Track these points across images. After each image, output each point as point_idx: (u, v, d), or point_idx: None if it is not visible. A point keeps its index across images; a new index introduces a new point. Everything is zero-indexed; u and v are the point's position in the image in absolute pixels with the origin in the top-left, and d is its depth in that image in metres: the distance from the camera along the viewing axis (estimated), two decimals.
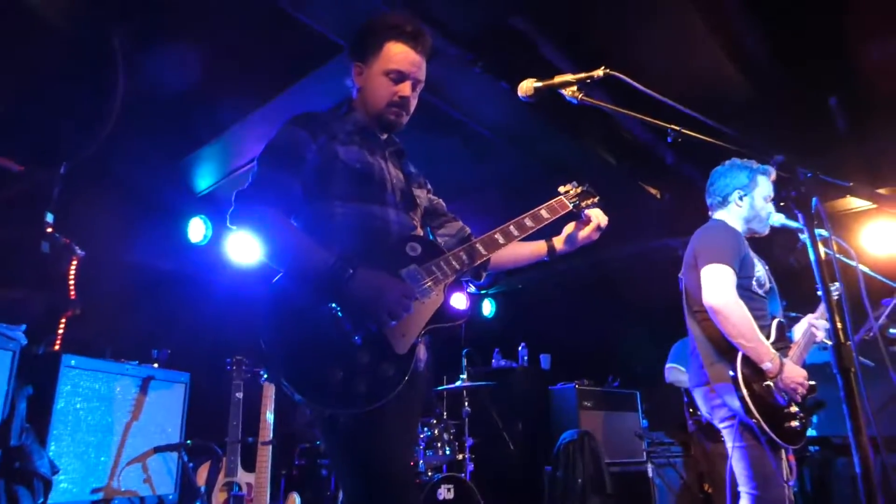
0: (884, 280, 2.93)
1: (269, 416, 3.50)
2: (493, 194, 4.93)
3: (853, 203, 5.19)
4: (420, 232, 1.95)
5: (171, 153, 4.47)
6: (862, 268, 2.52)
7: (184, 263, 4.75)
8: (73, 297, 3.37)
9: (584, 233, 2.07)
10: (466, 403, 4.65)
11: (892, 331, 3.15)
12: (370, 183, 1.82)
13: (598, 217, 2.07)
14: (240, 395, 3.59)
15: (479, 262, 1.83)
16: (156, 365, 3.76)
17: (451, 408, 4.66)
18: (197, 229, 4.80)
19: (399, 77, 1.86)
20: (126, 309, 3.98)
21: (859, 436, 1.37)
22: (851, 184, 1.54)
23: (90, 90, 3.58)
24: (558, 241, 2.11)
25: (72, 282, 3.40)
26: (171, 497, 3.51)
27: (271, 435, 3.45)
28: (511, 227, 1.91)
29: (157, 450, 3.45)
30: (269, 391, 3.53)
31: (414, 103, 1.92)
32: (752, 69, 3.65)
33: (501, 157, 4.44)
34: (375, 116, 1.90)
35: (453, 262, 1.77)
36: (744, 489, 2.48)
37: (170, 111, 4.00)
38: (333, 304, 1.60)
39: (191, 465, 3.43)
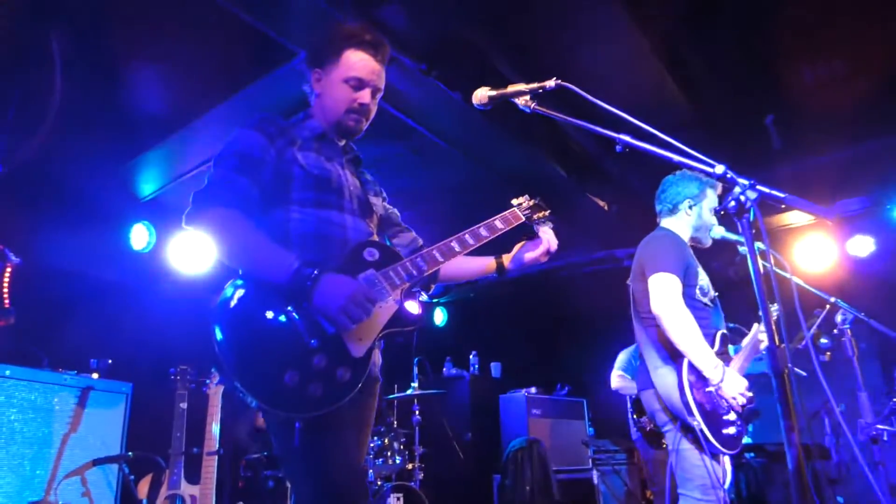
0: (816, 292, 3.10)
1: (215, 428, 3.41)
2: (443, 203, 4.97)
3: (786, 219, 5.47)
4: (377, 238, 1.96)
5: (114, 157, 4.32)
6: (796, 280, 2.67)
7: (126, 271, 4.59)
8: (7, 306, 3.21)
9: (533, 255, 2.10)
10: (417, 412, 4.65)
11: (822, 341, 3.31)
12: (328, 189, 1.82)
13: (548, 240, 2.10)
14: (184, 405, 3.48)
15: (434, 268, 1.85)
16: (95, 375, 3.61)
17: (401, 416, 4.64)
18: (140, 236, 4.64)
19: (359, 84, 1.88)
20: (64, 318, 3.83)
21: (792, 434, 1.45)
22: (787, 196, 1.64)
23: (26, 92, 3.44)
24: (507, 259, 2.13)
25: (6, 290, 3.24)
26: None
27: (217, 445, 3.36)
28: (466, 237, 1.94)
29: (97, 462, 3.31)
30: (215, 401, 3.44)
31: (373, 110, 1.95)
32: (691, 86, 3.82)
33: (452, 167, 4.48)
34: (334, 123, 1.91)
35: (410, 268, 1.79)
36: (683, 492, 2.56)
37: (113, 114, 3.87)
38: (290, 308, 1.59)
39: (132, 477, 3.31)
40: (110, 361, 3.79)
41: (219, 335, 1.55)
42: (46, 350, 3.57)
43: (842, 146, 4.45)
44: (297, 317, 1.59)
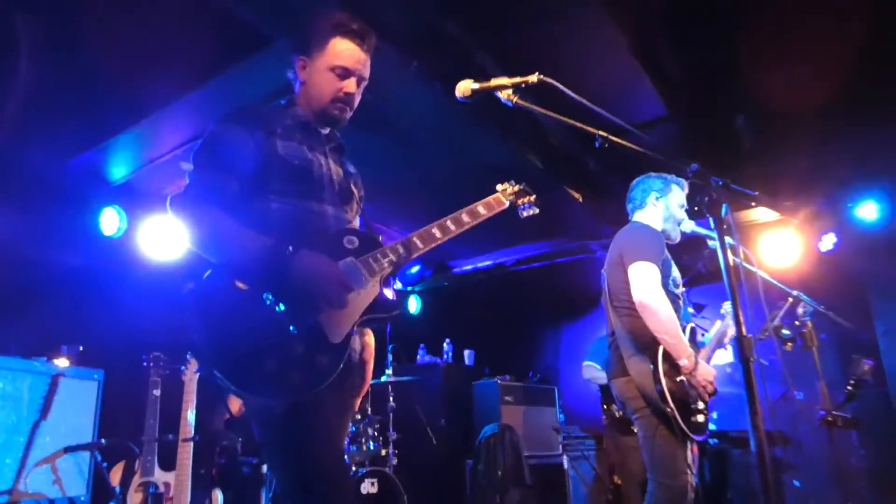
0: (780, 286, 3.22)
1: (191, 415, 3.40)
2: (423, 194, 4.98)
3: (753, 216, 5.63)
4: (356, 226, 1.98)
5: (83, 140, 4.22)
6: (762, 274, 2.77)
7: (96, 256, 4.50)
8: None
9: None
10: (391, 398, 4.69)
11: (785, 332, 3.44)
12: (308, 180, 1.82)
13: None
14: (157, 392, 3.45)
15: (415, 255, 1.87)
16: (67, 362, 3.56)
17: (376, 403, 4.68)
18: (110, 221, 4.55)
19: (344, 73, 1.88)
20: (34, 304, 3.75)
21: (756, 418, 1.52)
22: (757, 193, 1.71)
23: None
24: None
25: None
26: (82, 499, 3.34)
27: (192, 432, 3.35)
28: (448, 223, 1.94)
29: (68, 450, 3.28)
30: (191, 387, 3.42)
31: (357, 100, 1.95)
32: (667, 84, 3.90)
33: (433, 158, 4.50)
34: (319, 111, 1.91)
35: (390, 255, 1.80)
36: (653, 476, 2.66)
37: (82, 96, 3.78)
38: (269, 295, 1.60)
39: (104, 465, 3.27)
40: (81, 348, 3.73)
41: (196, 323, 1.55)
42: (15, 337, 3.50)
43: (807, 147, 4.59)
44: (275, 303, 1.60)
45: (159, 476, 3.29)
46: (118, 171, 4.57)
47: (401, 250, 1.82)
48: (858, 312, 5.59)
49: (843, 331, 3.53)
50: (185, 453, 3.32)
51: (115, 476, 3.27)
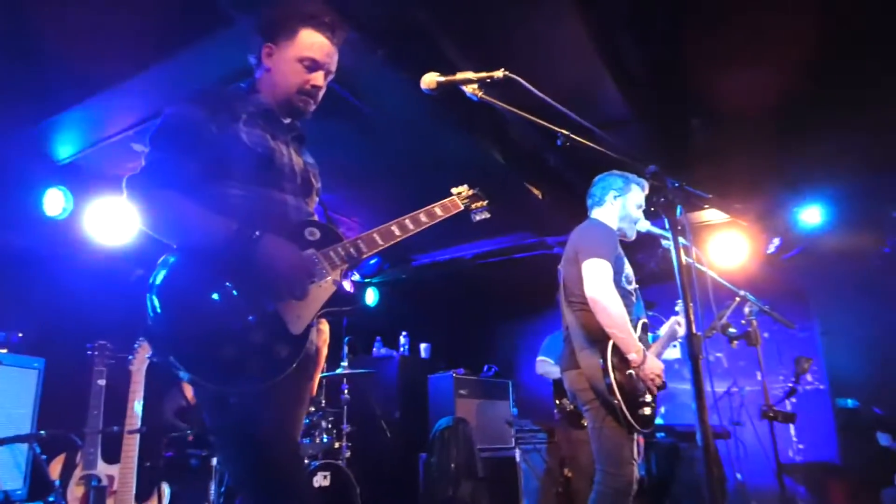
0: (728, 285, 3.33)
1: (137, 406, 3.29)
2: (385, 184, 4.95)
3: (704, 217, 5.81)
4: (316, 218, 1.95)
5: (27, 116, 4.02)
6: (711, 274, 2.87)
7: (38, 238, 4.29)
8: None
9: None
10: (346, 391, 4.65)
11: (731, 330, 3.55)
12: (270, 168, 1.79)
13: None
14: (102, 382, 3.34)
15: (374, 251, 1.87)
16: (4, 349, 3.40)
17: (330, 396, 4.64)
18: (54, 201, 4.34)
19: (313, 66, 1.86)
20: None
21: (703, 413, 1.58)
22: (711, 196, 1.76)
23: None
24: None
25: None
26: (19, 492, 3.20)
27: (139, 423, 3.25)
28: (407, 221, 1.97)
29: (3, 441, 3.12)
30: (138, 377, 3.32)
31: (322, 93, 1.93)
32: (627, 83, 3.97)
33: (396, 148, 4.47)
34: (284, 101, 1.88)
35: (350, 249, 1.80)
36: (600, 466, 2.74)
37: (27, 69, 3.60)
38: (229, 284, 1.57)
39: (43, 457, 3.14)
40: (20, 335, 3.57)
41: (153, 307, 1.51)
42: None
43: (756, 151, 4.75)
44: (236, 292, 1.57)
45: (102, 469, 3.18)
46: (64, 149, 4.37)
47: (361, 245, 1.83)
48: (800, 313, 5.85)
49: (785, 330, 3.68)
50: (131, 445, 3.22)
51: (55, 469, 3.14)
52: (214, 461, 3.54)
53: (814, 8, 3.33)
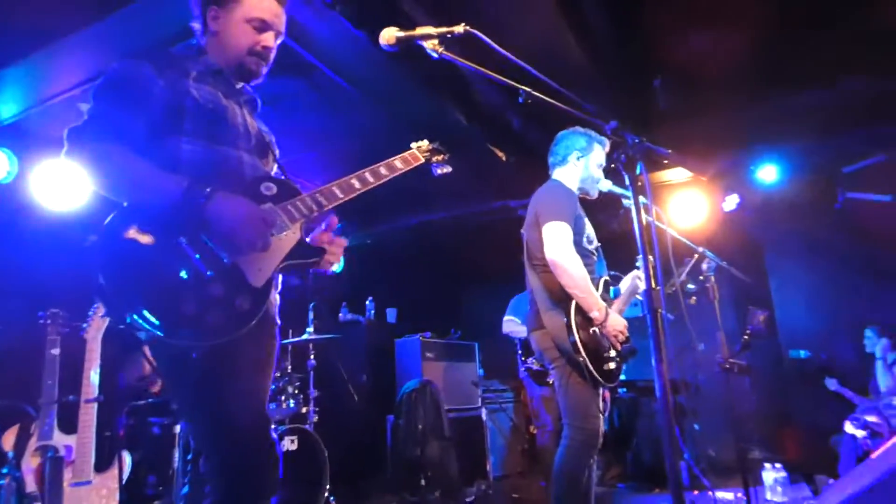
0: (687, 243, 3.38)
1: (94, 375, 3.21)
2: (343, 145, 4.85)
3: (664, 176, 5.89)
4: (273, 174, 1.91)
5: None
6: (671, 231, 2.90)
7: None
8: None
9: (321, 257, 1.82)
10: (312, 356, 4.63)
11: (690, 286, 3.63)
12: (223, 125, 1.74)
13: (333, 256, 1.85)
14: (56, 351, 3.23)
15: (334, 204, 1.83)
16: None
17: (296, 361, 4.61)
18: None
19: (262, 26, 1.81)
20: None
21: (661, 365, 1.61)
22: (670, 152, 1.77)
23: None
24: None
25: None
26: None
27: (96, 392, 3.17)
28: (367, 174, 1.93)
29: None
30: (94, 346, 3.23)
31: (273, 53, 1.88)
32: (589, 42, 3.93)
33: (354, 108, 4.36)
34: (235, 64, 1.83)
35: (309, 202, 1.77)
36: (567, 421, 2.81)
37: None
38: (182, 239, 1.52)
39: None
40: None
41: (105, 267, 1.46)
42: None
43: (716, 111, 4.81)
44: (189, 248, 1.53)
45: (59, 439, 3.11)
46: (7, 109, 4.13)
47: (319, 198, 1.79)
48: (755, 268, 6.03)
49: (741, 285, 3.78)
50: (88, 415, 3.14)
51: (8, 440, 3.05)
52: (178, 428, 3.51)
53: None
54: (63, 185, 4.24)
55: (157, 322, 1.44)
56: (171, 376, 1.63)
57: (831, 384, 5.37)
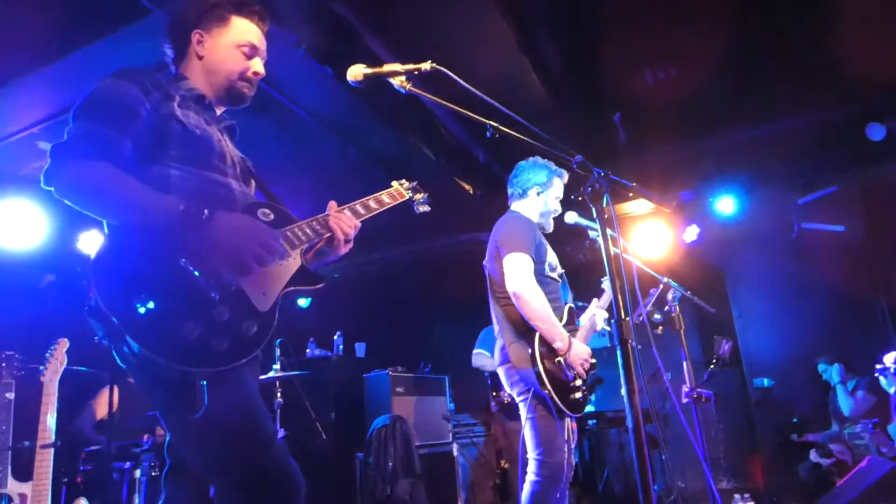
0: (652, 273, 3.46)
1: (50, 419, 3.08)
2: (308, 180, 4.84)
3: (627, 208, 6.03)
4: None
5: None
6: (637, 262, 2.97)
7: None
8: None
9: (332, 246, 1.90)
10: (279, 394, 4.53)
11: (656, 316, 3.69)
12: (210, 151, 1.70)
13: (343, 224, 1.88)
14: (10, 395, 3.10)
15: (329, 235, 1.82)
16: None
17: (262, 400, 4.49)
18: None
19: (252, 51, 1.83)
20: None
21: (633, 396, 1.63)
22: (634, 184, 1.83)
23: None
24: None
25: None
26: None
27: (53, 438, 3.04)
28: (358, 207, 1.96)
29: None
30: (51, 389, 3.10)
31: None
32: (550, 77, 4.06)
33: (320, 144, 4.38)
34: (224, 88, 1.83)
35: (307, 230, 1.77)
36: (531, 455, 2.80)
37: None
38: (184, 260, 1.47)
39: None
40: None
41: (101, 286, 1.38)
42: None
43: (674, 144, 4.98)
44: (192, 269, 1.47)
45: (13, 487, 2.96)
46: None
47: (317, 226, 1.80)
48: (717, 298, 6.18)
49: (704, 315, 3.86)
50: (45, 461, 3.00)
51: None
52: (138, 473, 3.37)
53: (721, 16, 3.54)
54: (19, 224, 4.12)
55: (163, 352, 1.37)
56: (172, 412, 1.52)
57: (813, 456, 5.26)
